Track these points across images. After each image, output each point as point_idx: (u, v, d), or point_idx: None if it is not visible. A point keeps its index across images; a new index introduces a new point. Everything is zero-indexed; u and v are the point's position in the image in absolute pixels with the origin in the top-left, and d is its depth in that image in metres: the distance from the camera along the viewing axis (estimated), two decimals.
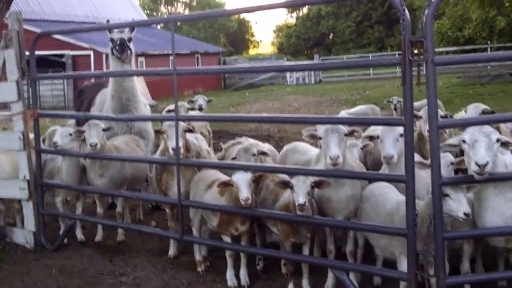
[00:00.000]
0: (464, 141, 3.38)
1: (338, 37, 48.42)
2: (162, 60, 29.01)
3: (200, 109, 7.94)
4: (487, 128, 3.34)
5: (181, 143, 4.54)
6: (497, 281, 3.99)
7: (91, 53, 25.55)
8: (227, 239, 4.40)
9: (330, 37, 50.17)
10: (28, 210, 5.43)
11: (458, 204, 3.36)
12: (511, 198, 3.45)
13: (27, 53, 5.45)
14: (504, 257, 4.05)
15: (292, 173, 4.06)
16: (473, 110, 5.90)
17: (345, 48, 46.95)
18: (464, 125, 3.59)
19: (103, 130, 5.24)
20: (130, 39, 6.38)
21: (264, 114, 17.29)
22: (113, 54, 6.32)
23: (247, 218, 4.31)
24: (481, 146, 3.27)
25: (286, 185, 3.98)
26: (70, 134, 5.33)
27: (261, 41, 72.64)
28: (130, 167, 5.54)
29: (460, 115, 5.88)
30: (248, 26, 64.92)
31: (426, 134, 4.48)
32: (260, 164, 4.58)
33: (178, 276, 4.65)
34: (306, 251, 4.17)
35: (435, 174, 3.32)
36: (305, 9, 53.60)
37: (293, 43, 52.21)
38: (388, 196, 3.94)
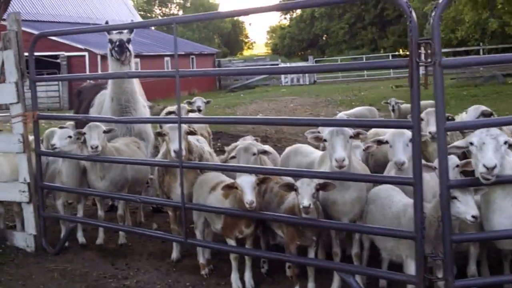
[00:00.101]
0: (471, 144, 3.38)
1: (332, 39, 48.54)
2: (157, 62, 28.96)
3: (199, 110, 7.91)
4: (495, 131, 3.34)
5: (183, 145, 4.51)
6: (503, 284, 3.98)
7: (86, 54, 25.43)
8: (231, 242, 4.37)
9: (324, 38, 50.28)
10: (29, 213, 5.38)
11: (466, 206, 3.36)
12: None
13: (26, 54, 5.40)
14: (509, 260, 4.05)
15: (299, 175, 4.03)
16: (473, 111, 5.93)
17: (338, 49, 47.07)
18: (471, 127, 3.59)
19: (104, 132, 5.20)
20: (129, 40, 6.33)
21: (260, 115, 17.34)
22: (112, 55, 6.27)
23: (252, 220, 4.29)
24: (488, 149, 3.28)
25: (291, 187, 3.97)
26: (70, 136, 5.27)
27: (254, 42, 72.74)
28: (131, 169, 5.50)
29: (461, 117, 5.89)
30: (242, 27, 64.93)
31: (428, 136, 4.48)
32: (266, 167, 4.56)
33: (182, 280, 4.62)
34: (311, 253, 4.15)
35: (443, 177, 3.32)
36: (298, 10, 53.68)
37: (287, 44, 52.29)
38: (394, 199, 3.94)
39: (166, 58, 30.72)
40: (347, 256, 4.49)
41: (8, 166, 5.56)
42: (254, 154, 4.58)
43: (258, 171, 4.24)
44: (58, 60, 25.51)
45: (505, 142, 3.32)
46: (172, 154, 4.56)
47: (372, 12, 45.61)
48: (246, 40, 68.36)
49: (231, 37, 61.60)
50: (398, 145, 3.82)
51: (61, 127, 6.15)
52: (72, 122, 6.59)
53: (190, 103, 8.09)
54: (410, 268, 3.65)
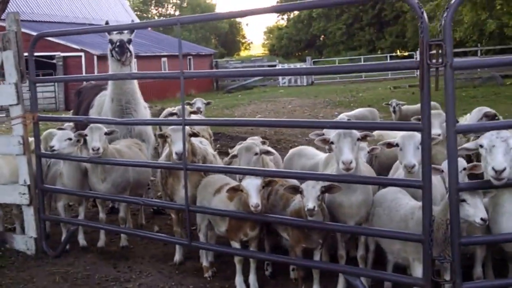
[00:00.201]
0: (481, 146, 3.36)
1: (329, 39, 48.54)
2: (154, 62, 28.86)
3: (199, 112, 7.85)
4: (505, 133, 3.31)
5: (186, 147, 4.46)
6: (510, 287, 3.96)
7: (82, 54, 25.28)
8: (236, 244, 4.32)
9: (321, 39, 50.29)
10: (29, 215, 5.31)
11: (475, 209, 3.33)
12: None
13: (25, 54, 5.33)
14: None
15: (305, 178, 3.99)
16: (476, 113, 5.91)
17: (336, 50, 47.07)
18: (482, 130, 3.56)
19: (106, 134, 5.14)
20: (129, 41, 6.27)
21: (259, 116, 17.29)
22: (112, 56, 6.20)
23: (257, 223, 4.25)
24: (498, 152, 3.25)
25: (296, 190, 3.93)
26: (69, 139, 5.20)
27: (252, 42, 72.73)
28: (133, 172, 5.43)
29: (465, 118, 5.87)
30: (239, 27, 64.89)
31: (439, 139, 4.44)
32: (272, 169, 4.52)
33: (185, 282, 4.57)
34: (317, 256, 4.11)
35: (452, 180, 3.28)
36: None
37: (284, 44, 52.23)
38: (401, 201, 3.90)
39: (163, 59, 30.62)
40: (350, 258, 4.45)
41: (8, 168, 5.50)
42: (256, 154, 4.52)
43: (264, 174, 4.18)
44: (54, 61, 25.34)
45: None
46: (174, 156, 4.52)
47: (369, 13, 45.63)
48: (243, 41, 68.32)
49: (228, 38, 61.54)
50: (409, 147, 3.78)
51: (59, 129, 6.09)
52: (70, 124, 6.52)
53: (190, 104, 8.03)
54: (417, 270, 3.62)
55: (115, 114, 6.09)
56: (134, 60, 6.43)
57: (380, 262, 4.23)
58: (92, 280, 4.66)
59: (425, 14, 3.14)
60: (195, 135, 4.81)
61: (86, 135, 5.12)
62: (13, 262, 5.15)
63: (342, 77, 32.49)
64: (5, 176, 5.46)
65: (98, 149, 4.97)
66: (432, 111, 4.69)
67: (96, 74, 21.32)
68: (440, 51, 3.15)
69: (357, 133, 3.85)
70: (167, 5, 63.65)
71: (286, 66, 32.36)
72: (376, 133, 5.58)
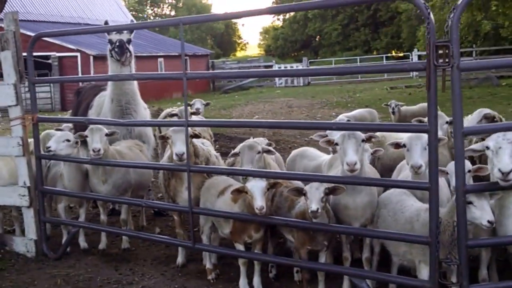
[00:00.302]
0: (488, 148, 3.35)
1: (325, 40, 48.60)
2: (151, 62, 28.75)
3: (198, 112, 7.82)
4: (511, 135, 3.30)
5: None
6: None
7: (78, 54, 25.14)
8: (240, 246, 4.29)
9: (317, 39, 50.34)
10: (29, 217, 5.26)
11: (482, 211, 3.33)
12: None
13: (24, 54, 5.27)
14: None
15: (310, 180, 3.97)
16: (477, 115, 5.93)
17: (331, 50, 47.13)
18: (489, 131, 3.55)
19: (106, 135, 5.09)
20: (129, 41, 6.22)
21: (257, 117, 17.25)
22: (112, 56, 6.15)
23: (261, 225, 4.22)
24: (505, 153, 3.24)
25: (300, 192, 3.91)
26: (68, 140, 5.15)
27: (247, 43, 72.65)
28: (135, 173, 5.39)
29: (466, 119, 5.87)
30: (235, 28, 64.81)
31: (446, 140, 4.43)
32: (276, 171, 4.49)
33: (188, 285, 4.54)
34: (322, 258, 4.09)
35: (460, 182, 3.27)
36: None
37: (280, 45, 52.25)
38: (406, 203, 3.89)
39: (160, 59, 30.53)
40: (354, 260, 4.44)
41: (6, 169, 5.44)
42: (258, 152, 4.49)
43: (268, 176, 4.16)
44: (49, 61, 25.19)
45: None
46: (175, 157, 4.48)
47: (365, 13, 45.73)
48: (239, 41, 68.23)
49: (224, 38, 61.42)
50: (416, 148, 3.77)
51: (57, 129, 6.04)
52: (69, 124, 6.46)
53: (189, 105, 7.99)
54: (423, 272, 3.62)
55: (115, 114, 6.03)
56: (133, 60, 6.38)
57: (385, 264, 4.22)
58: (94, 283, 4.62)
59: (432, 15, 3.13)
60: (196, 136, 4.78)
61: (86, 136, 5.08)
62: (13, 264, 5.10)
63: (339, 77, 32.49)
64: (4, 177, 5.41)
65: (99, 150, 4.92)
66: None
67: (92, 74, 21.17)
68: (447, 52, 3.13)
69: (361, 135, 3.84)
70: (163, 5, 63.45)
71: (282, 66, 32.37)
72: (378, 134, 5.58)
